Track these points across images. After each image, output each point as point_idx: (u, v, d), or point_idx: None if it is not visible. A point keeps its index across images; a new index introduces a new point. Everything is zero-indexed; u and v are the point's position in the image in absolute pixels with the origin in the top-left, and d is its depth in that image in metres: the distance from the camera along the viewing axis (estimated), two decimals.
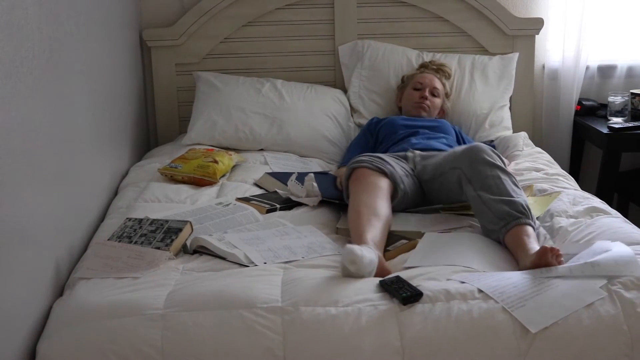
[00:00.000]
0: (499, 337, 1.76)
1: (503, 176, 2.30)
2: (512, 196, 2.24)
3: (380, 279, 1.91)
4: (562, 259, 1.95)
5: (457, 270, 1.98)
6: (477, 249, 2.15)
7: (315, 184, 2.55)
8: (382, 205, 2.31)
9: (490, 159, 2.33)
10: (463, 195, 2.40)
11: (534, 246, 2.07)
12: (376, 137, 3.07)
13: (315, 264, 2.07)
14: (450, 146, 2.87)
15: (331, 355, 1.74)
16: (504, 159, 2.44)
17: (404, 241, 2.19)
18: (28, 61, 1.90)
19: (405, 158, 2.69)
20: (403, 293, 1.82)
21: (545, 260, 1.94)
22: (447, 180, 2.46)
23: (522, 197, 2.27)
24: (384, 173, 2.44)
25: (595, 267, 1.90)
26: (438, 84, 3.23)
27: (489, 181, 2.28)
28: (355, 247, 1.94)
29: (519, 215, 2.18)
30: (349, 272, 1.94)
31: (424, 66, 3.34)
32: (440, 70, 3.31)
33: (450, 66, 3.38)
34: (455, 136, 3.05)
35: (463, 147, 2.49)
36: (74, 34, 2.36)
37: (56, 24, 2.17)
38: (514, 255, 2.12)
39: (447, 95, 3.30)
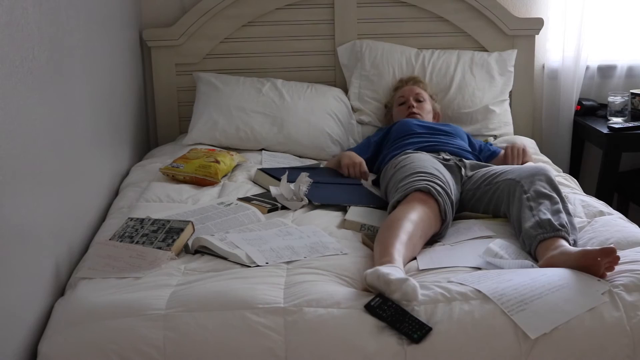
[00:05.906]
0: (500, 338, 1.76)
1: (559, 199, 2.26)
2: (561, 211, 2.20)
3: (365, 303, 1.80)
4: (609, 272, 1.91)
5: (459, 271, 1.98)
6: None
7: (303, 187, 2.51)
8: (419, 243, 2.19)
9: (554, 181, 2.32)
10: (502, 206, 2.36)
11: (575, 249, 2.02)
12: (387, 139, 3.03)
13: (317, 265, 2.05)
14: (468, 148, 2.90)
15: (333, 357, 1.74)
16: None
17: None
18: (28, 61, 1.89)
19: (458, 169, 2.63)
20: (414, 334, 1.73)
21: (597, 263, 1.89)
22: (494, 189, 2.42)
23: (572, 218, 2.23)
24: (439, 210, 2.29)
25: None
26: (418, 90, 3.24)
27: (545, 198, 2.25)
28: (415, 284, 1.82)
29: (559, 228, 2.13)
30: (384, 292, 1.82)
31: (397, 87, 3.34)
32: (412, 79, 3.31)
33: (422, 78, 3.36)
34: (467, 141, 3.04)
35: (529, 167, 2.47)
36: (74, 34, 2.35)
37: (56, 24, 2.17)
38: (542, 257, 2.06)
39: (432, 98, 3.29)
